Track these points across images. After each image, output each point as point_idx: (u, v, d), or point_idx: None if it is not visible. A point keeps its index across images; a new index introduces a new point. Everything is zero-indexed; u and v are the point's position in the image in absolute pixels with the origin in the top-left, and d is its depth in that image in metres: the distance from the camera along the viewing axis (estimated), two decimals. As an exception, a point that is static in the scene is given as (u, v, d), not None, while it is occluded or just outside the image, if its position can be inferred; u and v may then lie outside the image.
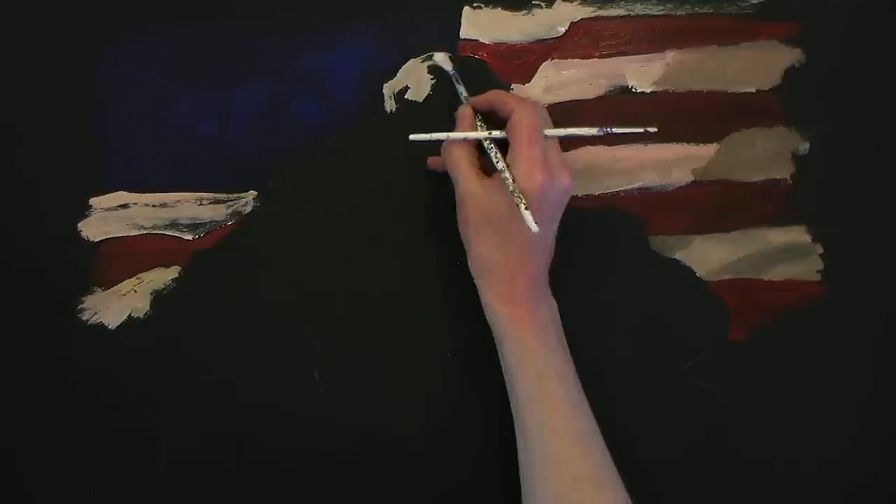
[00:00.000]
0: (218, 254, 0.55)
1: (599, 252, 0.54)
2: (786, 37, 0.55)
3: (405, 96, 0.55)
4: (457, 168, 0.48)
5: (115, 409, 0.54)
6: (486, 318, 0.50)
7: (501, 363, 0.49)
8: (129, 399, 0.54)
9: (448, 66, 0.53)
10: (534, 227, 0.44)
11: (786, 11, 0.55)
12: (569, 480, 0.46)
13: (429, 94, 0.55)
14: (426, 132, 0.49)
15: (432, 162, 0.54)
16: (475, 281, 0.50)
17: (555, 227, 0.49)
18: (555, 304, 0.50)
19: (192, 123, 0.55)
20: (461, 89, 0.52)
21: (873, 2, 0.55)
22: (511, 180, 0.46)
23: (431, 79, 0.55)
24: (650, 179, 0.55)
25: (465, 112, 0.50)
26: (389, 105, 0.55)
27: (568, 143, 0.55)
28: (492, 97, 0.50)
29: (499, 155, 0.47)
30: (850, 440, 0.53)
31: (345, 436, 0.54)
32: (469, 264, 0.50)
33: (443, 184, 0.54)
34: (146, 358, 0.54)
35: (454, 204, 0.50)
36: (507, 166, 0.47)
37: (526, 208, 0.45)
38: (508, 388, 0.49)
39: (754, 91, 0.55)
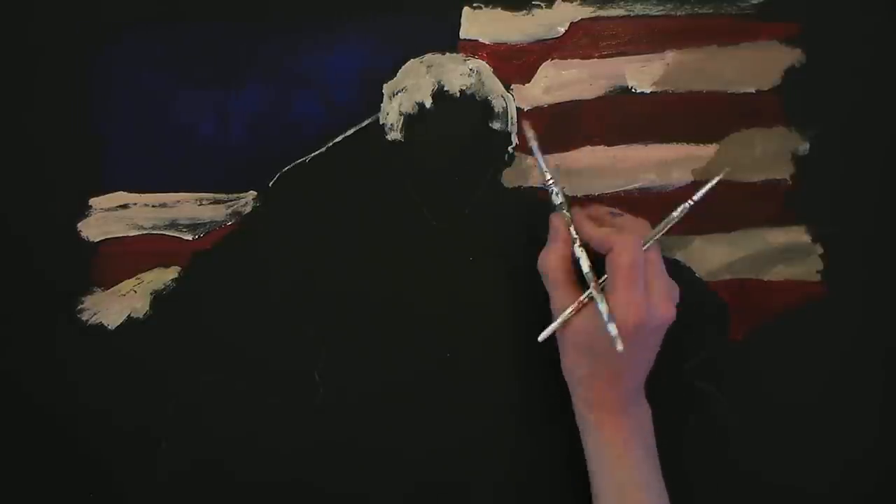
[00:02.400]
0: (218, 254, 0.55)
1: (599, 252, 0.54)
2: (786, 37, 0.55)
3: (403, 98, 0.55)
4: (552, 282, 0.48)
5: (114, 409, 0.54)
6: (577, 421, 0.49)
7: (589, 471, 0.49)
8: (128, 399, 0.54)
9: (533, 139, 0.51)
10: (619, 348, 0.44)
11: (786, 11, 0.55)
12: None
13: (431, 93, 0.55)
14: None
15: None
16: (568, 385, 0.50)
17: (656, 346, 0.48)
18: (648, 412, 0.49)
19: (192, 123, 0.55)
20: (553, 187, 0.50)
21: (873, 2, 0.55)
22: (606, 312, 0.45)
23: (431, 81, 0.55)
24: (650, 180, 0.55)
25: (559, 223, 0.49)
26: (389, 106, 0.55)
27: (568, 142, 0.55)
28: (593, 235, 0.47)
29: (595, 285, 0.47)
30: (850, 440, 0.53)
31: (345, 436, 0.54)
32: (562, 368, 0.49)
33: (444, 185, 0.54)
34: (146, 358, 0.54)
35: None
36: (604, 296, 0.46)
37: (615, 332, 0.45)
38: (593, 496, 0.49)
39: (754, 91, 0.55)
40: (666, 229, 0.49)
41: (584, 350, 0.47)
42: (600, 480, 0.48)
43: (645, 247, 0.47)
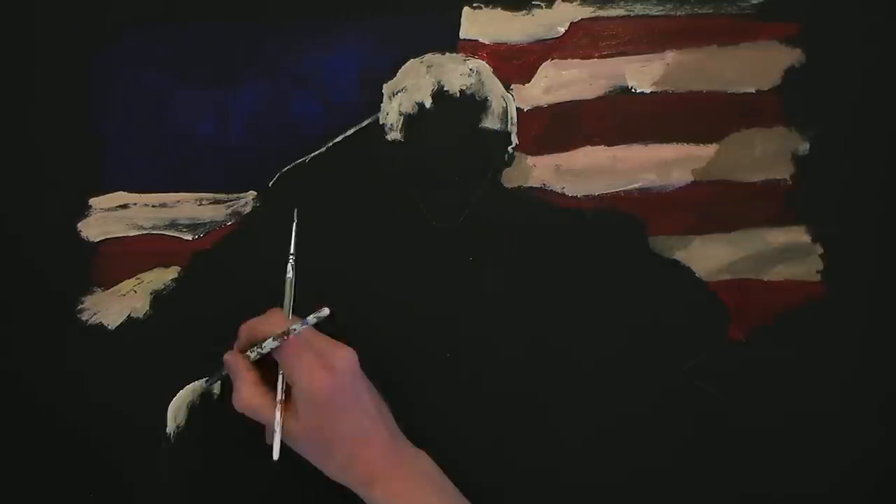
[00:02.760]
0: (217, 254, 0.55)
1: (599, 252, 0.54)
2: (786, 37, 0.55)
3: (402, 98, 0.55)
4: (253, 412, 0.47)
5: (114, 409, 0.54)
6: None
7: None
8: (128, 399, 0.54)
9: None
10: (275, 455, 0.46)
11: (786, 11, 0.55)
12: None
13: (431, 93, 0.55)
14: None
15: None
16: (343, 483, 0.48)
17: (366, 391, 0.48)
18: (423, 455, 0.49)
19: (192, 123, 0.55)
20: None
21: (873, 2, 0.55)
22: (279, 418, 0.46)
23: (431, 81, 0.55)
24: (650, 179, 0.55)
25: (236, 360, 0.48)
26: (388, 106, 0.55)
27: (568, 142, 0.55)
28: (242, 334, 0.49)
29: (281, 384, 0.47)
30: (850, 440, 0.53)
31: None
32: (328, 475, 0.48)
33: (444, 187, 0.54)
34: (146, 358, 0.54)
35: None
36: (288, 385, 0.47)
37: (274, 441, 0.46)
38: None
39: (754, 91, 0.55)
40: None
41: (317, 440, 0.47)
42: None
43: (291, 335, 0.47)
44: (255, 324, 0.49)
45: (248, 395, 0.47)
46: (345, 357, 0.47)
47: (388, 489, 0.47)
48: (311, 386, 0.46)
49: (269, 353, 0.47)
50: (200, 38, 0.55)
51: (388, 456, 0.48)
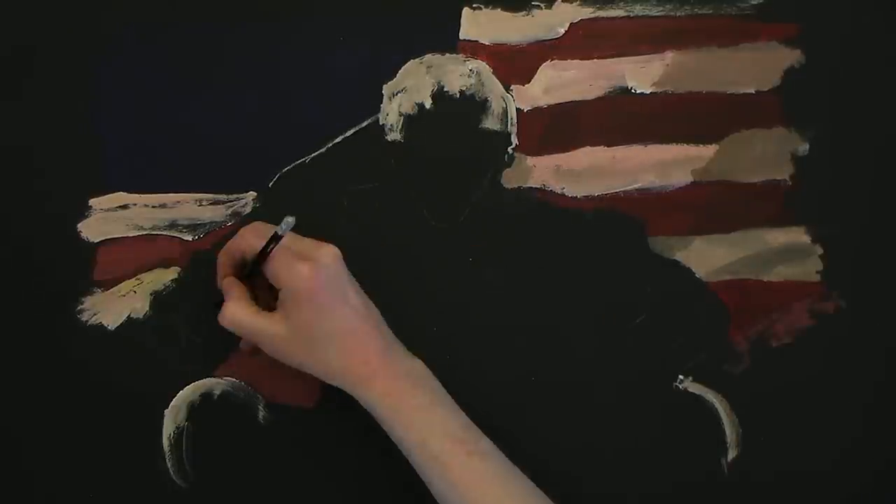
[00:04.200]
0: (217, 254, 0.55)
1: (599, 252, 0.54)
2: (785, 37, 0.55)
3: (402, 99, 0.55)
4: (238, 322, 0.48)
5: (114, 409, 0.54)
6: (370, 410, 0.48)
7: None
8: (128, 400, 0.54)
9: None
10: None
11: (786, 12, 0.55)
12: None
13: (431, 94, 0.55)
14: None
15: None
16: (335, 382, 0.48)
17: (351, 287, 0.48)
18: (419, 361, 0.48)
19: (192, 123, 0.55)
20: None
21: (873, 2, 0.55)
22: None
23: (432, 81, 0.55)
24: (650, 180, 0.55)
25: (229, 283, 0.49)
26: (388, 106, 0.55)
27: (568, 143, 0.55)
28: (224, 259, 0.50)
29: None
30: (850, 442, 0.53)
31: (345, 437, 0.54)
32: (314, 372, 0.48)
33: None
34: (146, 358, 0.54)
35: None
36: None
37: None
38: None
39: (754, 91, 0.55)
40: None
41: (309, 348, 0.46)
42: (405, 447, 0.46)
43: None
44: (233, 245, 0.49)
45: (233, 310, 0.47)
46: (327, 252, 0.47)
47: (386, 388, 0.46)
48: (295, 283, 0.45)
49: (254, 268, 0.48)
50: (201, 37, 0.55)
51: (384, 354, 0.47)
